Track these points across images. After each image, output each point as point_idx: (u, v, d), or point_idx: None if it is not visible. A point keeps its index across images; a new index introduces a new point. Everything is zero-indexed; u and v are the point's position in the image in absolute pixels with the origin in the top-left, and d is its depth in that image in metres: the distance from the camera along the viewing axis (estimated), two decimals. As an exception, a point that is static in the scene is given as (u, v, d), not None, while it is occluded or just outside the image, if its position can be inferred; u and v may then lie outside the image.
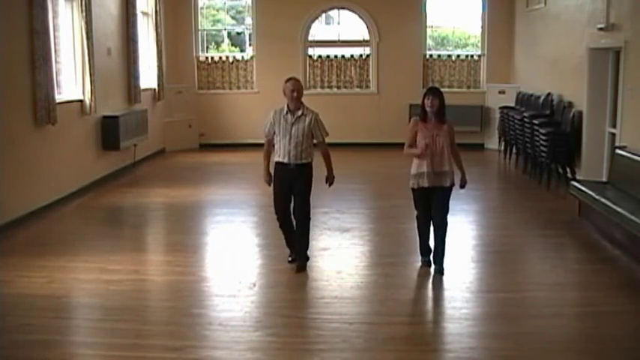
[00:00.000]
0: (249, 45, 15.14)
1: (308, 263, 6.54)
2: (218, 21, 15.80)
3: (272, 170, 6.48)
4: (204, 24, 15.17)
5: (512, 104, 12.92)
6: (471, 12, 14.67)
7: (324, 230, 7.84)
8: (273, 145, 6.46)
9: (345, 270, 6.48)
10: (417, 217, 6.51)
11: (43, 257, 6.88)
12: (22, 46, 8.21)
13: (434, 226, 6.36)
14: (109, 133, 10.68)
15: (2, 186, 7.71)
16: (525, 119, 10.90)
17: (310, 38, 14.81)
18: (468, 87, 14.52)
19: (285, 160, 6.32)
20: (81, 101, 9.91)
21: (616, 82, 9.10)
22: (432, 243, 6.48)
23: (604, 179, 8.80)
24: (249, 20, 15.10)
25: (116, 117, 10.76)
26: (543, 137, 9.99)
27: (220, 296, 5.89)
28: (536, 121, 10.44)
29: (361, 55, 14.83)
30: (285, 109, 6.35)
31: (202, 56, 14.88)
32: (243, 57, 14.92)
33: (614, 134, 9.07)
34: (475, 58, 14.66)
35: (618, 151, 8.19)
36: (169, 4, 13.99)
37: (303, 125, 6.29)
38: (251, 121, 14.31)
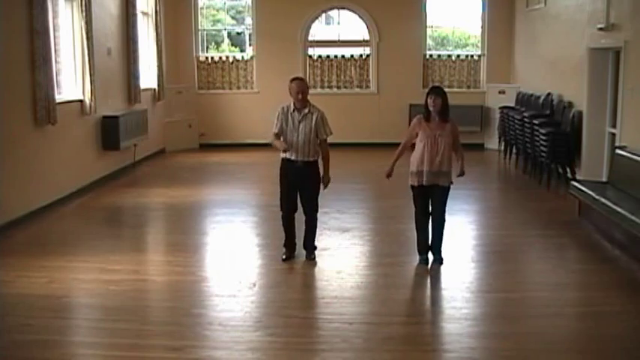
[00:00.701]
0: (249, 45, 15.14)
1: (308, 263, 6.55)
2: (218, 21, 15.80)
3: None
4: (204, 24, 15.17)
5: (512, 104, 12.92)
6: (471, 12, 14.67)
7: (324, 230, 7.83)
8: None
9: (345, 270, 6.48)
10: (415, 213, 6.61)
11: (43, 257, 6.88)
12: (22, 46, 8.21)
13: (432, 221, 6.50)
14: (109, 133, 10.68)
15: (2, 186, 7.71)
16: (525, 119, 10.90)
17: (310, 38, 14.80)
18: (468, 87, 14.52)
19: (293, 157, 6.45)
20: (81, 101, 9.91)
21: (616, 82, 9.10)
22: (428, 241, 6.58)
23: (604, 179, 8.80)
24: (249, 20, 15.10)
25: (116, 117, 10.75)
26: (543, 137, 9.99)
27: (220, 296, 5.89)
28: (536, 121, 10.44)
29: (361, 55, 14.83)
30: (292, 107, 6.48)
31: (202, 56, 14.88)
32: (243, 57, 14.92)
33: (614, 134, 9.07)
34: (475, 58, 14.66)
35: (618, 151, 8.19)
36: (169, 4, 13.99)
37: (310, 123, 6.44)
38: (251, 121, 14.33)
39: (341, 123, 14.22)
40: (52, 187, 8.96)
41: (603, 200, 7.45)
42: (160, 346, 4.92)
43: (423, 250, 6.59)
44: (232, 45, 15.94)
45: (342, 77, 14.82)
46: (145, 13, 12.91)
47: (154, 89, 13.26)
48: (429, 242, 6.57)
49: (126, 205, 9.63)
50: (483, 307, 5.67)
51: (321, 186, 6.65)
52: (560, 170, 10.08)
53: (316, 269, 6.53)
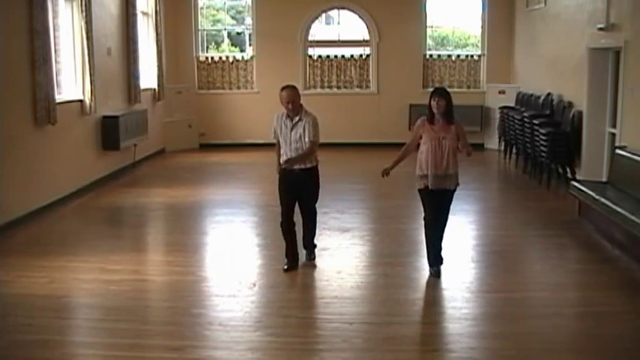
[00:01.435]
0: (249, 45, 15.14)
1: (308, 263, 6.55)
2: (218, 21, 15.80)
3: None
4: (204, 24, 15.17)
5: (512, 104, 12.92)
6: (471, 12, 14.67)
7: (324, 230, 7.83)
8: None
9: (345, 270, 6.48)
10: (424, 219, 6.34)
11: (43, 257, 6.88)
12: (22, 46, 8.21)
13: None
14: (109, 133, 10.68)
15: (2, 186, 7.71)
16: (525, 119, 10.90)
17: (310, 38, 14.80)
18: (468, 87, 14.52)
19: (291, 167, 6.37)
20: (81, 101, 9.91)
21: (616, 82, 9.10)
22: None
23: (604, 179, 8.80)
24: (249, 20, 15.10)
25: (116, 117, 10.76)
26: (543, 137, 9.99)
27: (220, 296, 5.89)
28: (536, 121, 10.44)
29: (361, 55, 14.83)
30: (285, 113, 6.37)
31: (202, 56, 14.88)
32: (243, 57, 14.92)
33: (614, 134, 9.07)
34: (475, 58, 14.66)
35: (618, 151, 8.19)
36: (169, 4, 13.99)
37: (301, 130, 6.30)
38: (251, 121, 14.33)
39: (341, 123, 14.34)
40: (52, 187, 8.96)
41: (603, 200, 7.45)
42: (160, 346, 4.92)
43: (433, 262, 6.32)
44: (232, 45, 15.95)
45: (342, 77, 14.82)
46: (145, 13, 12.91)
47: (154, 89, 13.26)
48: (442, 257, 6.33)
49: (126, 205, 9.63)
50: (483, 307, 5.67)
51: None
52: (560, 170, 10.08)
53: (316, 269, 6.53)
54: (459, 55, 14.77)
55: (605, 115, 9.52)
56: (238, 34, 15.92)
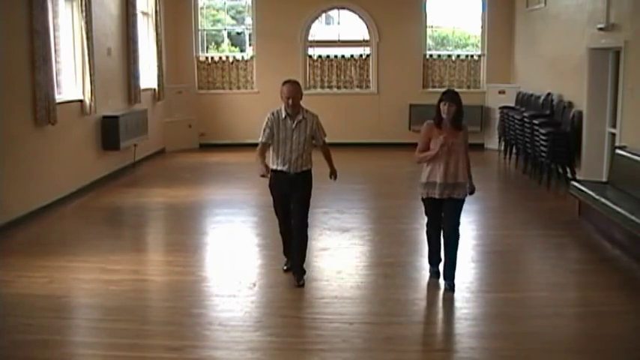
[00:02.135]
0: (249, 45, 15.14)
1: (308, 263, 6.54)
2: (218, 21, 15.80)
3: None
4: (204, 24, 15.17)
5: (512, 104, 12.93)
6: (471, 12, 14.67)
7: (324, 230, 7.84)
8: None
9: (345, 270, 6.48)
10: (426, 224, 6.14)
11: (43, 257, 6.88)
12: (22, 46, 8.21)
13: (444, 239, 5.97)
14: (109, 133, 10.69)
15: (2, 186, 7.71)
16: (525, 119, 10.90)
17: (310, 38, 14.80)
18: (468, 87, 14.52)
19: (285, 169, 5.95)
20: (81, 101, 9.91)
21: (616, 82, 9.10)
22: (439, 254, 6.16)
23: (604, 179, 8.80)
24: (249, 20, 15.10)
25: (116, 117, 10.76)
26: (543, 137, 9.99)
27: (220, 296, 5.89)
28: (536, 121, 10.44)
29: (361, 55, 14.83)
30: (284, 113, 5.93)
31: (202, 56, 14.88)
32: (243, 57, 14.92)
33: (614, 134, 9.07)
34: (475, 58, 14.66)
35: (618, 151, 8.19)
36: (169, 4, 13.99)
37: (305, 132, 5.93)
38: (251, 121, 14.27)
39: (341, 123, 14.31)
40: (52, 187, 8.96)
41: (603, 200, 7.45)
42: (160, 346, 4.92)
43: (434, 261, 6.12)
44: (232, 45, 15.95)
45: (342, 77, 14.83)
46: (145, 13, 12.92)
47: (154, 89, 13.26)
48: (441, 256, 6.06)
49: (126, 205, 9.63)
50: (483, 307, 5.67)
51: (333, 179, 6.32)
52: (560, 170, 10.08)
53: (316, 269, 6.52)
54: (459, 55, 14.78)
55: (605, 115, 9.53)
56: (238, 34, 15.92)
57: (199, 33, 14.90)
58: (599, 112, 9.57)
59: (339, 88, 14.83)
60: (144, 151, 12.49)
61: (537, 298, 5.86)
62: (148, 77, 12.93)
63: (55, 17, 9.20)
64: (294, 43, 14.58)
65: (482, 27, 14.59)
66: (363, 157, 13.10)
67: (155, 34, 13.13)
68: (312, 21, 14.76)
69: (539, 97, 11.69)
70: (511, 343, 4.94)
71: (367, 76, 14.78)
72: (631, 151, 7.95)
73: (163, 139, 13.88)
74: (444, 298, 5.83)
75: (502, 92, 13.80)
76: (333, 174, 6.31)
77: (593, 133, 9.64)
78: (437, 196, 5.78)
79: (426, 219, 6.14)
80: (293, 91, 5.88)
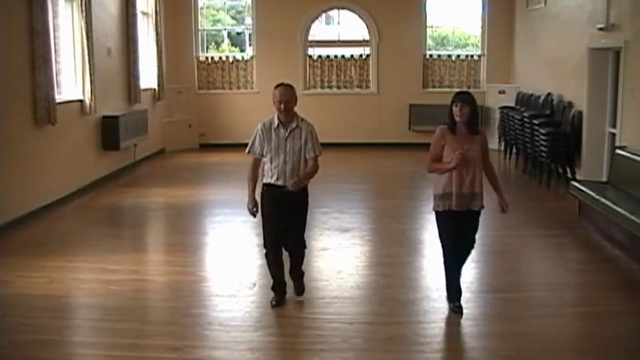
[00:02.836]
0: (249, 45, 15.14)
1: (307, 263, 6.53)
2: (218, 21, 15.80)
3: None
4: (204, 24, 15.17)
5: (512, 104, 12.92)
6: (471, 12, 14.67)
7: (324, 230, 7.84)
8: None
9: (345, 270, 6.48)
10: (443, 248, 5.53)
11: (43, 257, 6.88)
12: (22, 46, 8.21)
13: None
14: (109, 133, 10.69)
15: (2, 186, 7.70)
16: (525, 119, 10.90)
17: (310, 38, 14.80)
18: (468, 87, 14.49)
19: (280, 183, 5.37)
20: (81, 101, 9.91)
21: (616, 82, 9.10)
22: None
23: (604, 179, 8.80)
24: (249, 20, 15.10)
25: (116, 117, 10.76)
26: (543, 137, 9.99)
27: (220, 296, 5.89)
28: (536, 121, 10.44)
29: (361, 55, 14.83)
30: (276, 121, 5.39)
31: (202, 56, 14.88)
32: (243, 57, 14.92)
33: (614, 134, 9.07)
34: (475, 58, 14.66)
35: (618, 151, 8.19)
36: (169, 4, 13.99)
37: (299, 140, 5.38)
38: (251, 121, 14.10)
39: (341, 123, 14.34)
40: (52, 187, 8.96)
41: (603, 200, 7.45)
42: (160, 346, 4.92)
43: (455, 296, 5.50)
44: (232, 45, 15.95)
45: (342, 77, 14.82)
46: (145, 13, 12.91)
47: (154, 89, 13.26)
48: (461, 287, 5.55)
49: (126, 205, 9.62)
50: (483, 307, 5.67)
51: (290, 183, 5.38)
52: (560, 170, 10.08)
53: (316, 269, 6.52)
54: (459, 55, 14.77)
55: (605, 115, 9.53)
56: (238, 34, 15.92)
57: (199, 33, 14.90)
58: (599, 112, 9.57)
59: (339, 88, 14.83)
60: (144, 151, 12.49)
61: (537, 298, 5.86)
62: (148, 77, 12.93)
63: (55, 17, 9.20)
64: (294, 43, 14.58)
65: (482, 27, 14.59)
66: (363, 157, 13.10)
67: (155, 34, 13.13)
68: (312, 21, 14.76)
69: (539, 97, 11.69)
70: (511, 343, 4.93)
71: (367, 76, 14.78)
72: (631, 151, 7.95)
73: (163, 139, 13.88)
74: (444, 299, 5.82)
75: (502, 92, 13.80)
76: (295, 182, 5.35)
77: (593, 133, 9.64)
78: (455, 208, 5.28)
79: (442, 244, 5.52)
80: (286, 94, 5.34)
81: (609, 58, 9.45)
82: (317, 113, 14.86)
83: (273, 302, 5.60)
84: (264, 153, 5.39)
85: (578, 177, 9.52)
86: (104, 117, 10.60)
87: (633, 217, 6.62)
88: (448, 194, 5.29)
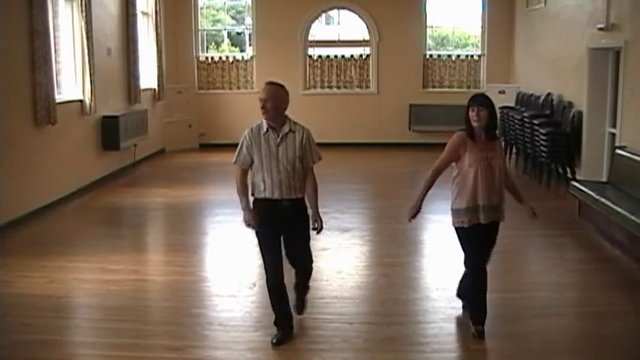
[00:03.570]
0: (249, 45, 15.14)
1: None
2: (218, 21, 15.80)
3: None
4: (204, 24, 15.17)
5: (512, 104, 12.92)
6: (471, 12, 14.67)
7: (324, 230, 7.77)
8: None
9: (345, 270, 6.48)
10: (471, 267, 5.05)
11: (43, 257, 6.88)
12: (22, 46, 8.21)
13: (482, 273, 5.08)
14: (109, 133, 10.69)
15: (2, 186, 7.70)
16: (525, 119, 10.90)
17: (310, 38, 14.80)
18: (468, 87, 14.51)
19: (276, 196, 4.71)
20: (81, 101, 9.91)
21: (616, 82, 9.10)
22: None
23: (604, 179, 8.80)
24: (249, 20, 15.10)
25: (116, 117, 10.76)
26: (543, 137, 9.98)
27: (220, 296, 5.89)
28: (536, 121, 10.44)
29: (361, 55, 14.83)
30: (265, 126, 4.77)
31: (202, 56, 14.88)
32: (243, 57, 14.92)
33: (614, 134, 9.07)
34: (475, 58, 14.66)
35: (618, 151, 8.19)
36: (169, 4, 13.99)
37: (293, 146, 4.74)
38: (251, 121, 14.12)
39: (341, 123, 14.35)
40: (52, 187, 8.96)
41: (603, 200, 7.45)
42: (160, 346, 4.92)
43: (481, 319, 5.02)
44: (232, 45, 15.95)
45: (342, 77, 14.82)
46: (145, 13, 12.91)
47: (154, 89, 13.26)
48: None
49: (126, 205, 9.63)
50: (483, 307, 5.66)
51: (312, 231, 4.89)
52: (560, 170, 10.08)
53: (316, 269, 6.50)
54: (459, 55, 14.77)
55: (605, 115, 9.53)
56: (238, 34, 15.92)
57: (199, 33, 14.90)
58: (599, 112, 9.57)
59: (339, 88, 14.82)
60: (144, 151, 12.49)
61: (537, 298, 5.86)
62: (148, 77, 12.93)
63: (55, 17, 9.20)
64: (294, 43, 14.58)
65: (482, 27, 14.59)
66: (363, 157, 13.10)
67: (155, 34, 13.13)
68: (312, 21, 14.75)
69: (539, 97, 11.69)
70: (511, 343, 4.94)
71: (367, 76, 14.77)
72: (631, 151, 7.95)
73: (163, 139, 13.88)
74: (444, 299, 5.83)
75: (502, 92, 13.78)
76: (317, 222, 4.87)
77: (593, 133, 9.64)
78: (483, 221, 4.91)
79: (468, 262, 5.07)
80: (268, 92, 4.75)
81: (609, 58, 9.45)
82: (317, 113, 15.01)
83: (274, 340, 4.86)
84: (254, 162, 4.74)
85: (578, 177, 9.52)
86: (104, 117, 10.61)
87: (633, 217, 6.62)
88: (475, 207, 4.88)
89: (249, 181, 4.89)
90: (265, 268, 4.92)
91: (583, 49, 9.88)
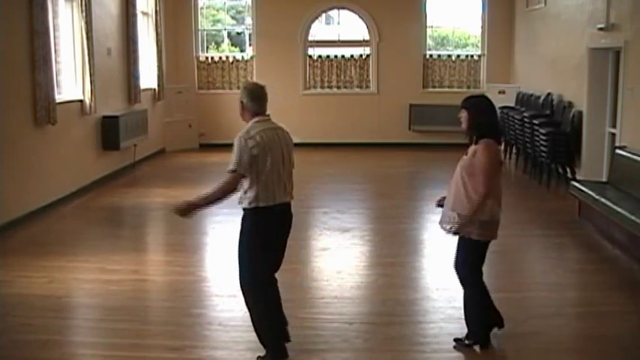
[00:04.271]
0: (249, 45, 15.14)
1: (307, 263, 6.53)
2: (218, 21, 15.80)
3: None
4: (204, 24, 15.17)
5: (512, 104, 12.92)
6: (471, 12, 14.68)
7: (324, 230, 7.84)
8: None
9: (345, 270, 6.48)
10: (480, 284, 4.81)
11: (43, 257, 6.88)
12: (22, 46, 8.21)
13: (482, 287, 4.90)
14: (109, 133, 10.69)
15: (2, 186, 7.71)
16: (525, 119, 10.90)
17: (310, 38, 14.80)
18: (468, 87, 14.51)
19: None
20: (81, 101, 9.91)
21: (616, 82, 9.10)
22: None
23: (604, 179, 8.80)
24: (249, 20, 15.10)
25: (116, 117, 10.76)
26: (543, 137, 9.98)
27: (220, 296, 5.89)
28: (536, 121, 10.44)
29: (361, 55, 14.83)
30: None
31: (202, 56, 14.88)
32: (243, 57, 14.92)
33: (614, 134, 9.07)
34: (475, 58, 14.66)
35: (618, 151, 8.19)
36: (169, 4, 13.99)
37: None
38: (251, 121, 14.31)
39: (341, 123, 14.35)
40: (52, 187, 8.96)
41: (603, 200, 7.45)
42: (160, 346, 4.92)
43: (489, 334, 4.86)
44: (232, 45, 15.95)
45: (342, 77, 14.81)
46: (145, 13, 12.91)
47: (154, 89, 13.26)
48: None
49: (126, 205, 9.63)
50: (483, 307, 5.66)
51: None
52: (560, 170, 10.08)
53: (316, 269, 6.52)
54: (459, 55, 14.77)
55: (605, 115, 9.53)
56: (238, 34, 15.92)
57: (199, 33, 14.90)
58: (599, 112, 9.57)
59: (339, 88, 14.82)
60: (144, 151, 12.49)
61: (537, 298, 5.86)
62: (148, 77, 12.93)
63: (55, 17, 9.20)
64: (294, 43, 14.58)
65: (482, 27, 14.60)
66: (363, 157, 13.09)
67: (155, 34, 13.13)
68: (312, 21, 14.75)
69: (539, 97, 11.69)
70: (511, 343, 4.93)
71: (367, 76, 14.77)
72: (631, 151, 7.95)
73: (163, 139, 13.88)
74: (444, 299, 5.83)
75: (502, 92, 13.77)
76: (181, 207, 4.85)
77: (593, 133, 9.64)
78: (496, 237, 4.75)
79: (480, 274, 4.82)
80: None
81: (609, 58, 9.45)
82: (317, 113, 15.02)
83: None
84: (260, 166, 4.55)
85: (578, 177, 9.52)
86: (104, 117, 10.61)
87: (633, 217, 6.62)
88: (497, 222, 4.68)
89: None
90: (256, 272, 4.66)
91: (583, 49, 9.88)
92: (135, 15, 11.89)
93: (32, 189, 8.43)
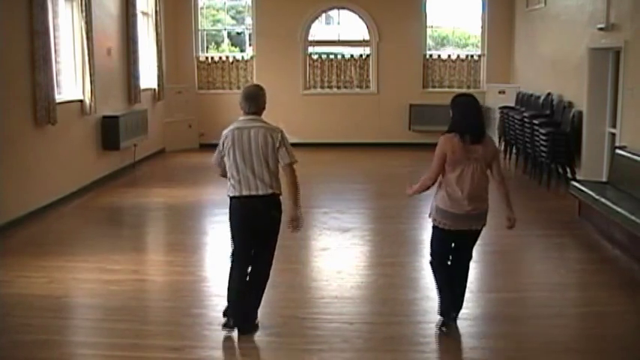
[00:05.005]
0: (249, 45, 15.14)
1: (307, 263, 6.51)
2: (218, 21, 15.80)
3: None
4: (204, 24, 15.17)
5: (512, 104, 12.92)
6: (471, 12, 14.68)
7: (324, 230, 7.84)
8: None
9: (345, 270, 6.48)
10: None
11: (43, 257, 6.88)
12: (22, 46, 8.21)
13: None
14: (109, 133, 10.69)
15: (2, 186, 7.70)
16: (525, 119, 10.90)
17: (310, 38, 14.80)
18: (468, 87, 14.50)
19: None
20: (81, 101, 9.91)
21: (616, 82, 9.10)
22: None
23: (604, 179, 8.80)
24: (249, 20, 15.10)
25: (116, 117, 10.76)
26: (543, 137, 9.98)
27: (220, 296, 5.86)
28: (536, 121, 10.44)
29: (361, 55, 14.83)
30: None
31: (202, 56, 14.88)
32: (243, 57, 14.92)
33: (614, 134, 9.07)
34: (475, 58, 14.66)
35: (618, 151, 8.19)
36: (169, 4, 13.99)
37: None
38: (251, 121, 14.30)
39: (341, 123, 14.35)
40: (52, 187, 8.96)
41: (603, 200, 7.45)
42: (160, 346, 4.92)
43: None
44: (232, 45, 15.95)
45: (342, 77, 14.81)
46: (145, 13, 12.91)
47: (154, 89, 13.26)
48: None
49: (126, 205, 9.62)
50: (483, 307, 5.66)
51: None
52: (560, 170, 10.08)
53: (316, 269, 6.52)
54: (459, 55, 14.77)
55: (605, 115, 9.53)
56: (238, 34, 15.92)
57: (199, 33, 14.90)
58: (599, 112, 9.57)
59: (339, 88, 14.82)
60: (144, 151, 12.49)
61: (537, 298, 5.86)
62: (148, 77, 12.93)
63: (55, 17, 9.20)
64: (294, 43, 14.57)
65: (482, 27, 14.59)
66: (363, 157, 13.09)
67: (155, 34, 13.12)
68: (312, 21, 14.75)
69: (539, 97, 11.69)
70: (511, 343, 4.93)
71: (367, 76, 14.77)
72: (631, 151, 7.95)
73: (163, 139, 13.88)
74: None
75: (502, 92, 13.79)
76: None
77: (593, 133, 9.64)
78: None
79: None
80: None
81: (609, 58, 9.45)
82: (317, 113, 15.02)
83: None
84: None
85: (578, 177, 9.52)
86: (104, 117, 10.60)
87: (633, 217, 6.62)
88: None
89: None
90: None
91: (583, 49, 9.88)
92: (135, 15, 11.88)
93: (32, 189, 8.43)
